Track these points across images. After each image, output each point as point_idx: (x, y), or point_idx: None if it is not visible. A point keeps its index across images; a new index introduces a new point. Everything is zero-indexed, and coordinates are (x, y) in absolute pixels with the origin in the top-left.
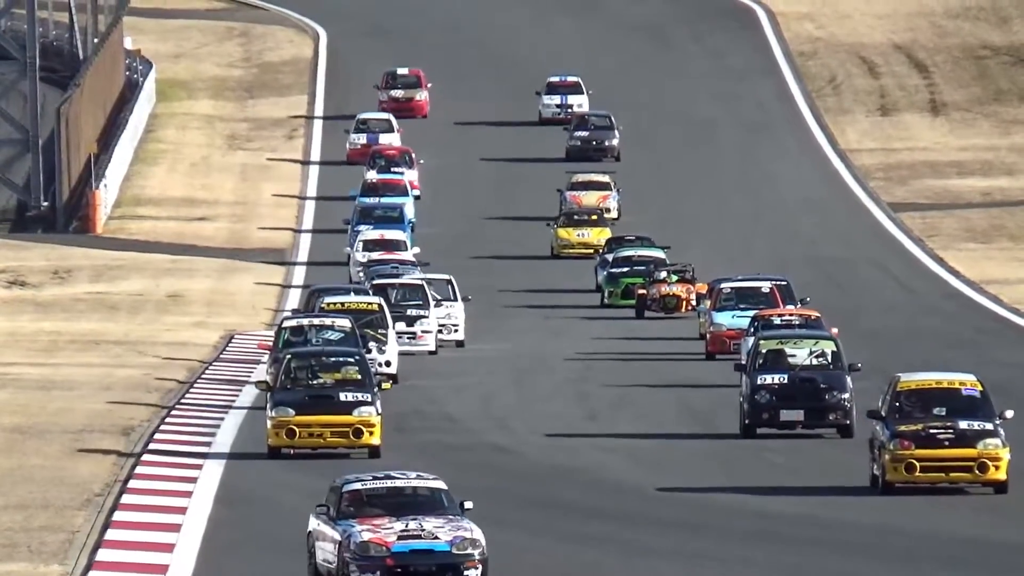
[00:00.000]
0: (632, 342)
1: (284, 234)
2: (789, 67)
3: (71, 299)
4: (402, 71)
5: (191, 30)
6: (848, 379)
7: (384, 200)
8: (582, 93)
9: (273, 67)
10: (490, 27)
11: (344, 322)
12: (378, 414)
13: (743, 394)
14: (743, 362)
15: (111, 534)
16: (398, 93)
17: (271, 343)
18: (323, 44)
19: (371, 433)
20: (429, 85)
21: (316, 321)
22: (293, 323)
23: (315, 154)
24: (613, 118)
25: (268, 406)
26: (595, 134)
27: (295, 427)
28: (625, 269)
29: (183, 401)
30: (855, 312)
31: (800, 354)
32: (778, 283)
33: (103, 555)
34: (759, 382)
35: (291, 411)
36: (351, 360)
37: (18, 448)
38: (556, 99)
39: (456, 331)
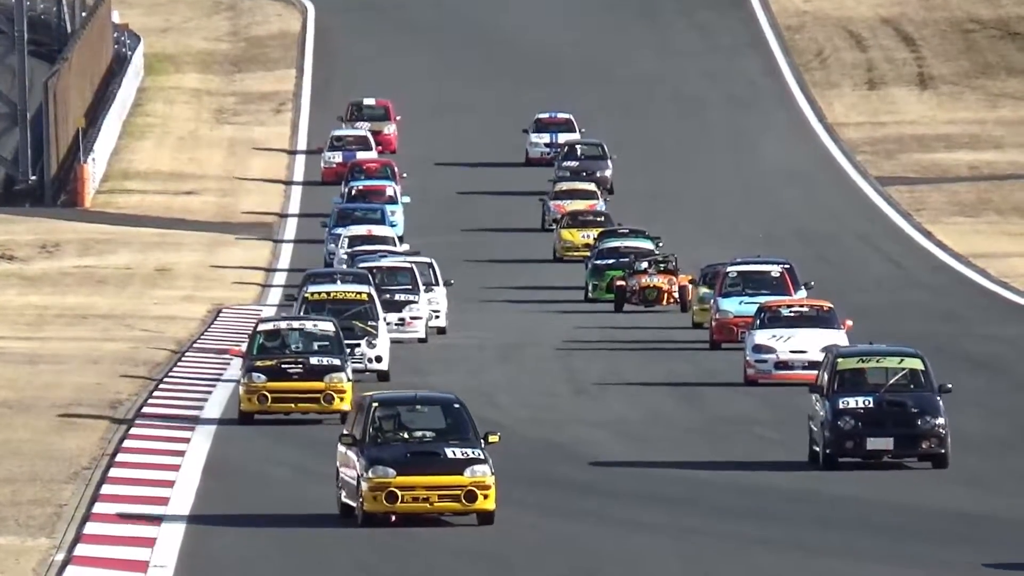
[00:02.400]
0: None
1: (272, 207)
2: (776, 41)
3: (59, 273)
4: (368, 101)
5: (178, 4)
6: (941, 402)
7: (364, 204)
8: (574, 131)
9: (261, 41)
10: (477, 2)
11: (327, 325)
12: (492, 473)
13: (821, 419)
14: (820, 382)
15: (99, 507)
16: (364, 126)
17: (243, 349)
18: (311, 18)
19: (485, 496)
20: (398, 118)
21: (295, 324)
22: (269, 326)
23: (303, 127)
24: (606, 147)
25: (360, 466)
26: (585, 164)
27: (397, 490)
28: (611, 261)
29: (171, 374)
30: (843, 287)
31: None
32: (783, 266)
33: (91, 528)
34: (841, 406)
35: (392, 471)
36: (451, 408)
37: (5, 422)
38: (545, 137)
39: (437, 317)
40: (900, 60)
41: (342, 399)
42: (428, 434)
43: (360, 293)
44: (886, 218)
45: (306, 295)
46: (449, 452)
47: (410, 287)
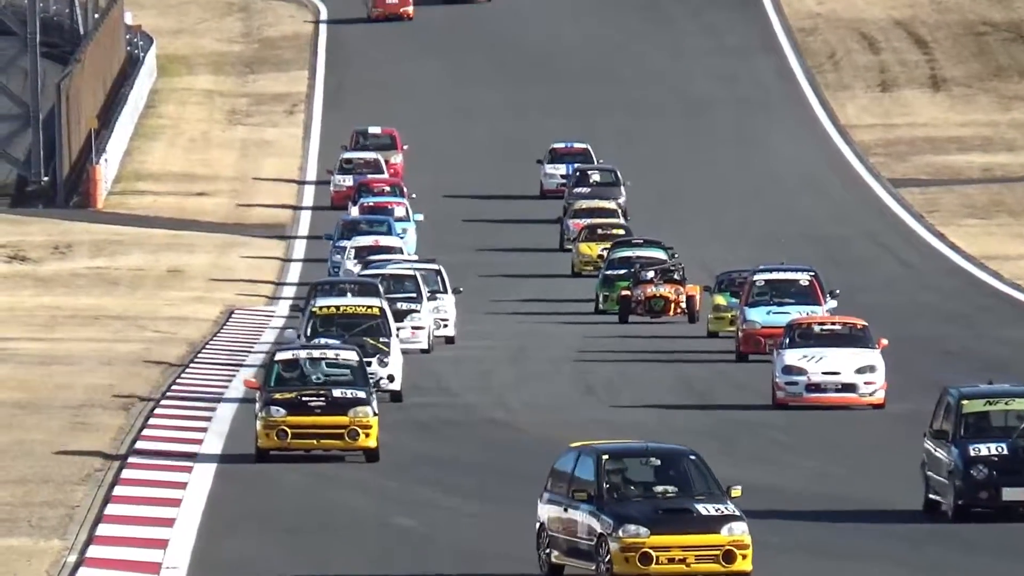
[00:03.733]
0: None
1: (283, 211)
2: (789, 43)
3: (71, 274)
4: (374, 130)
5: (191, 5)
6: None
7: (369, 216)
8: (591, 162)
9: (273, 42)
10: (488, 4)
11: (350, 354)
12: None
13: (948, 467)
14: (941, 426)
15: (111, 509)
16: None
17: (259, 381)
18: (323, 19)
19: (744, 556)
20: (405, 147)
21: (316, 354)
22: (287, 355)
23: (315, 129)
24: (619, 173)
25: (603, 524)
26: (598, 191)
27: (651, 551)
28: (621, 272)
29: (183, 376)
30: (856, 288)
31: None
32: (810, 274)
33: (103, 530)
34: (972, 454)
35: (644, 530)
36: (686, 460)
37: (18, 423)
38: (561, 168)
39: (446, 326)
40: (912, 62)
41: (368, 435)
42: (670, 489)
43: (371, 307)
44: (898, 220)
45: (314, 309)
46: (702, 509)
47: (414, 295)
